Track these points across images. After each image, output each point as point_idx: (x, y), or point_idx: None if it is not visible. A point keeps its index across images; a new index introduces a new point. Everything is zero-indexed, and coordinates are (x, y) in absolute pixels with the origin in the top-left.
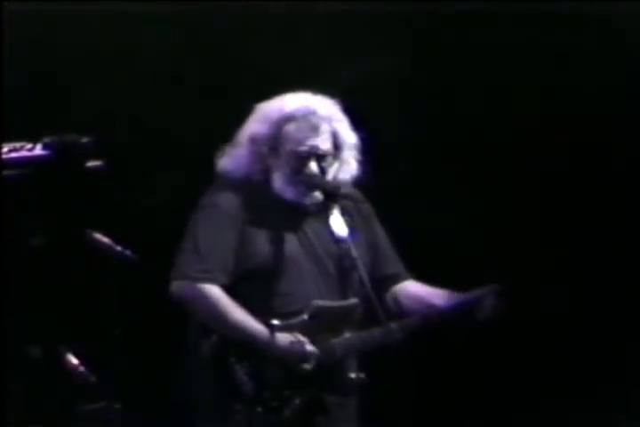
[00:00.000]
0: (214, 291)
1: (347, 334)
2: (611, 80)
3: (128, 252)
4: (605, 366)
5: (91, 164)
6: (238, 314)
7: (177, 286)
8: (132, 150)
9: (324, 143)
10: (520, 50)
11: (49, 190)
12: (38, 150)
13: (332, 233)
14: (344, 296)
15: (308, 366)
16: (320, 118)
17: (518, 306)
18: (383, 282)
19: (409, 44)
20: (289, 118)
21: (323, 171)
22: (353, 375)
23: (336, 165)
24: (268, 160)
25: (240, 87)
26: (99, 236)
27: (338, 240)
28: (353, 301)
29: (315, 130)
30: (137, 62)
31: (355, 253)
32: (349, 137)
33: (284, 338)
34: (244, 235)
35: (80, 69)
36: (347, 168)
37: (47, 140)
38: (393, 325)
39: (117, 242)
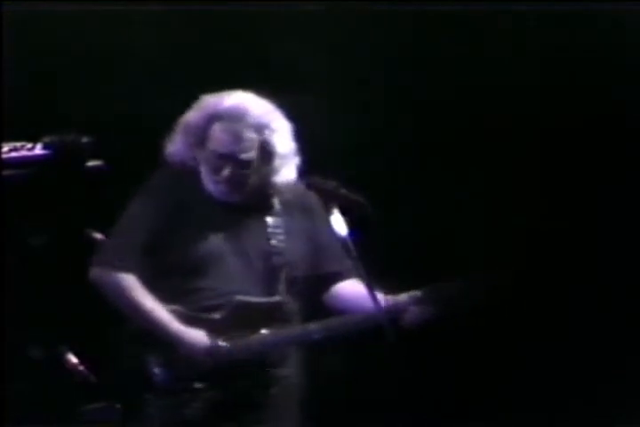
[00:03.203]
0: (128, 279)
1: (265, 331)
2: (610, 79)
3: None
4: (605, 365)
5: (91, 164)
6: (149, 304)
7: (94, 273)
8: (132, 150)
9: (246, 152)
10: (518, 49)
11: (49, 190)
12: (38, 150)
13: (265, 232)
14: (271, 293)
15: (206, 362)
16: (246, 126)
17: (518, 305)
18: (324, 280)
19: (409, 43)
20: (218, 117)
21: (239, 176)
22: (277, 372)
23: (265, 171)
24: (197, 151)
25: (241, 87)
26: (99, 236)
27: (271, 240)
28: (277, 298)
29: (237, 137)
30: (137, 62)
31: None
32: (282, 146)
33: (191, 332)
34: (172, 226)
35: (80, 69)
36: (281, 174)
37: (47, 139)
38: (312, 325)
39: None
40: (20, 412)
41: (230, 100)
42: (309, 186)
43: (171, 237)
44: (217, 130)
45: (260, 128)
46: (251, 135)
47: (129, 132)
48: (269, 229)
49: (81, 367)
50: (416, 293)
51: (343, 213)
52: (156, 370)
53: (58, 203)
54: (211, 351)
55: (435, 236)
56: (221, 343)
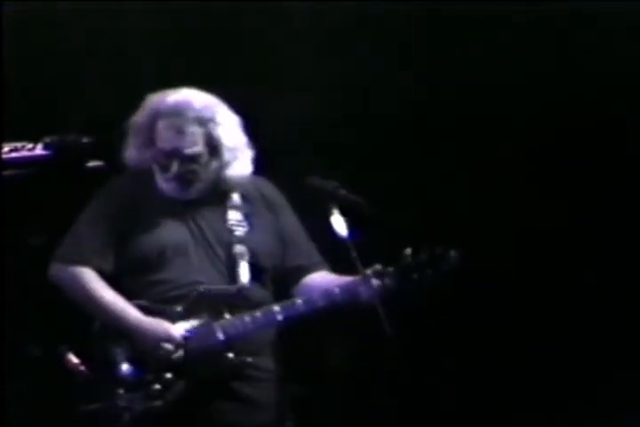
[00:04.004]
0: (86, 273)
1: (227, 317)
2: (610, 79)
3: None
4: (605, 365)
5: (91, 164)
6: (108, 296)
7: (52, 269)
8: None
9: (190, 146)
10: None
11: (49, 190)
12: (39, 150)
13: (226, 223)
14: (233, 282)
15: (165, 350)
16: (186, 120)
17: (518, 303)
18: (292, 273)
19: (409, 43)
20: (160, 115)
21: (189, 172)
22: (231, 356)
23: (215, 165)
24: (147, 151)
25: (241, 87)
26: None
27: (232, 232)
28: (238, 285)
29: (179, 131)
30: (137, 62)
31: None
32: (229, 139)
33: (143, 321)
34: (132, 225)
35: (80, 69)
36: (234, 167)
37: (47, 140)
38: (275, 307)
39: None
40: (20, 412)
41: (172, 96)
42: (309, 186)
43: (129, 234)
44: (161, 127)
45: (203, 121)
46: (193, 129)
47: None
48: (230, 221)
49: (81, 367)
50: (374, 266)
51: (343, 213)
52: (124, 363)
53: (58, 203)
54: (169, 340)
55: (435, 235)
56: (176, 334)
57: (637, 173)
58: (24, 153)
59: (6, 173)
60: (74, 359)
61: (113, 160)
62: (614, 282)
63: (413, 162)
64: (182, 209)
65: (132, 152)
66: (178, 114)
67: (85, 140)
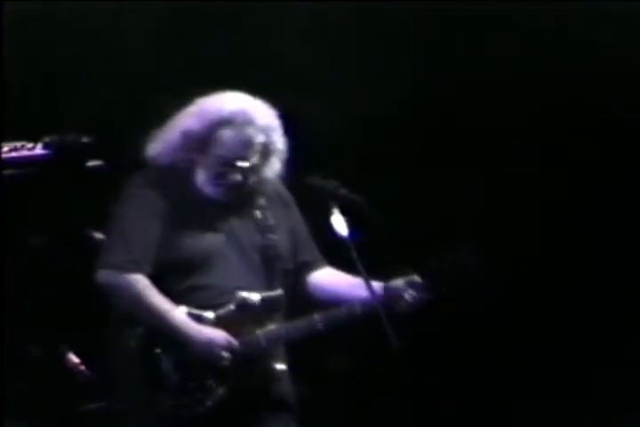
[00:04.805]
0: (141, 281)
1: (271, 326)
2: (610, 79)
3: None
4: (604, 365)
5: (91, 164)
6: (163, 304)
7: (103, 275)
8: (132, 150)
9: (254, 156)
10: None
11: (49, 190)
12: (39, 150)
13: (258, 227)
14: (270, 287)
15: (225, 359)
16: (256, 129)
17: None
18: (300, 269)
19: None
20: (225, 122)
21: (245, 180)
22: (278, 367)
23: (261, 170)
24: (195, 155)
25: (241, 87)
26: (99, 236)
27: (265, 235)
28: (278, 291)
29: (248, 142)
30: (137, 62)
31: (355, 253)
32: (280, 144)
33: (202, 330)
34: (169, 227)
35: (80, 69)
36: (272, 169)
37: (47, 139)
38: (316, 316)
39: None
40: (20, 412)
41: (234, 104)
42: (309, 186)
43: (169, 238)
44: (225, 136)
45: (267, 130)
46: (259, 139)
47: (129, 133)
48: (259, 223)
49: (81, 367)
50: (410, 277)
51: (343, 213)
52: (169, 370)
53: (58, 203)
54: (228, 348)
55: (435, 235)
56: (230, 341)
57: (637, 173)
58: (24, 153)
59: (6, 172)
60: (74, 359)
61: (113, 160)
62: (614, 282)
63: (414, 162)
64: (217, 211)
65: (169, 151)
66: (248, 122)
67: (85, 140)
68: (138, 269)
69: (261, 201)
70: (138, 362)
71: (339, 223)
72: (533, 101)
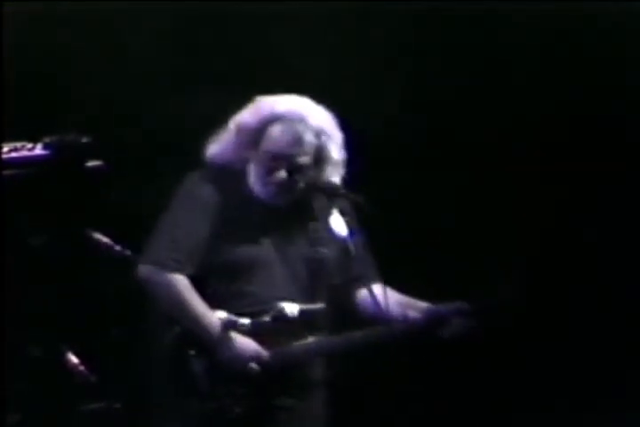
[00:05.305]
0: (181, 281)
1: (309, 339)
2: (610, 80)
3: (128, 252)
4: (604, 365)
5: (91, 164)
6: (200, 307)
7: (145, 271)
8: (132, 150)
9: (303, 155)
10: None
11: (49, 190)
12: (38, 150)
13: (310, 237)
14: (313, 300)
15: (251, 369)
16: (307, 128)
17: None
18: (351, 284)
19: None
20: (277, 118)
21: (292, 178)
22: (313, 380)
23: (313, 177)
24: (248, 152)
25: (241, 87)
26: (99, 236)
27: (316, 246)
28: (319, 305)
29: (297, 139)
30: (137, 62)
31: (354, 252)
32: (336, 154)
33: (232, 338)
34: (219, 229)
35: (80, 69)
36: (327, 179)
37: (47, 140)
38: (356, 334)
39: (117, 242)
40: (19, 412)
41: (289, 102)
42: (310, 185)
43: (216, 240)
44: (275, 131)
45: (319, 133)
46: (310, 139)
47: (129, 132)
48: (311, 235)
49: (81, 367)
50: (459, 303)
51: (343, 213)
52: (200, 373)
53: (58, 203)
54: (257, 359)
55: (435, 235)
56: (261, 352)
57: (638, 173)
58: (24, 153)
59: (6, 172)
60: (74, 359)
61: (113, 160)
62: (614, 282)
63: (414, 162)
64: (268, 216)
65: (227, 150)
66: (299, 120)
67: (85, 140)
68: (180, 269)
69: (315, 211)
70: (171, 362)
71: (338, 223)
72: (534, 101)
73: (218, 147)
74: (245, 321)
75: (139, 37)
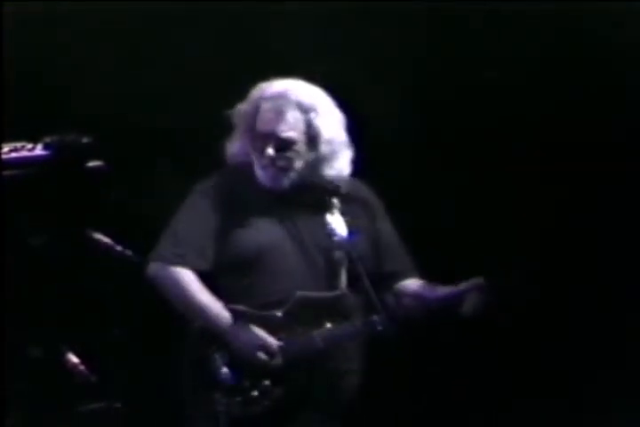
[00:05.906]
0: (186, 274)
1: (328, 326)
2: (610, 79)
3: (128, 252)
4: (604, 365)
5: (91, 164)
6: (205, 299)
7: (152, 268)
8: (132, 150)
9: (287, 130)
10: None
11: (49, 190)
12: (38, 150)
13: (325, 226)
14: (331, 289)
15: (261, 360)
16: (288, 103)
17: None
18: (385, 279)
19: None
20: (264, 99)
21: (283, 158)
22: (342, 368)
23: (312, 157)
24: (246, 137)
25: (242, 87)
26: (99, 236)
27: (332, 236)
28: (337, 292)
29: (279, 114)
30: (137, 62)
31: (354, 252)
32: (328, 131)
33: (243, 328)
34: (230, 223)
35: (80, 69)
36: (331, 164)
37: (47, 140)
38: (375, 317)
39: (117, 242)
40: (19, 412)
41: (279, 83)
42: (310, 185)
43: (228, 235)
44: (262, 110)
45: (304, 108)
46: (293, 113)
47: (129, 133)
48: (329, 225)
49: (81, 367)
50: (477, 280)
51: (343, 213)
52: (223, 368)
53: (58, 203)
54: (264, 349)
55: (435, 235)
56: (274, 342)
57: (638, 173)
58: (24, 153)
59: (6, 173)
60: (74, 359)
61: (113, 160)
62: (614, 282)
63: (414, 161)
64: (279, 206)
65: (234, 143)
66: (280, 97)
67: (85, 140)
68: (185, 263)
69: (335, 204)
70: (193, 358)
71: (338, 223)
72: (534, 101)
73: (230, 146)
74: (263, 313)
75: (139, 37)
